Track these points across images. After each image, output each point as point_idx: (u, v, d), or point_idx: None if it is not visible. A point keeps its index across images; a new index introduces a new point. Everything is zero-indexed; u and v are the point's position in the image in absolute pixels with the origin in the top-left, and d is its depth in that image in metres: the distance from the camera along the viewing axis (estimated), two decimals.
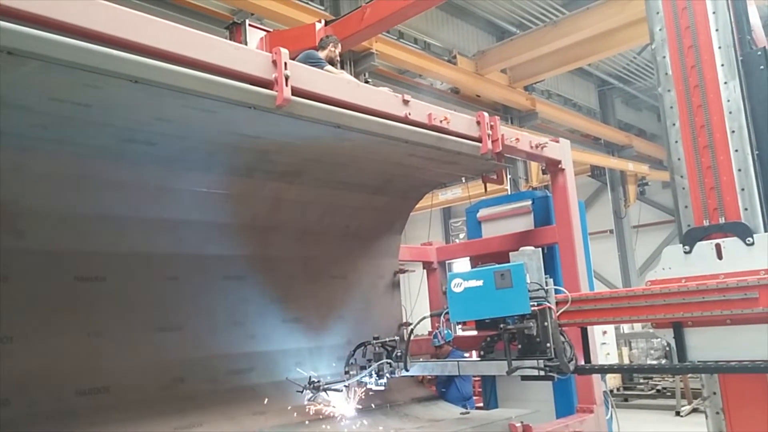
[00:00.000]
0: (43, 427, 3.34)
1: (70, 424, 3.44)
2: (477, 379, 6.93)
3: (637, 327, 12.39)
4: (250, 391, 4.36)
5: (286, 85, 3.28)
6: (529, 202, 6.23)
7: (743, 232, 3.32)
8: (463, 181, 5.67)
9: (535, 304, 3.62)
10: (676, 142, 3.69)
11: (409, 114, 4.09)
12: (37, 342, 3.49)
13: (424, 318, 4.22)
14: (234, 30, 6.86)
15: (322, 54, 5.88)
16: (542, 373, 3.66)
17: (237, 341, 4.45)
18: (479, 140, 4.63)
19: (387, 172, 4.91)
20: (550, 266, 5.86)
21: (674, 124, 3.71)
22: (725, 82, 3.52)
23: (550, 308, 3.60)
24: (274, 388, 4.45)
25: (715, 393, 3.52)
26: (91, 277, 3.77)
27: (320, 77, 3.56)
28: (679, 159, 3.68)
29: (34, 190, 3.47)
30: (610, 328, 6.15)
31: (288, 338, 4.75)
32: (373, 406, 4.67)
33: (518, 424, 4.32)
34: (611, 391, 12.65)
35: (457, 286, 3.77)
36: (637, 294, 3.54)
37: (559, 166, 5.53)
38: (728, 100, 3.50)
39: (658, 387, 12.38)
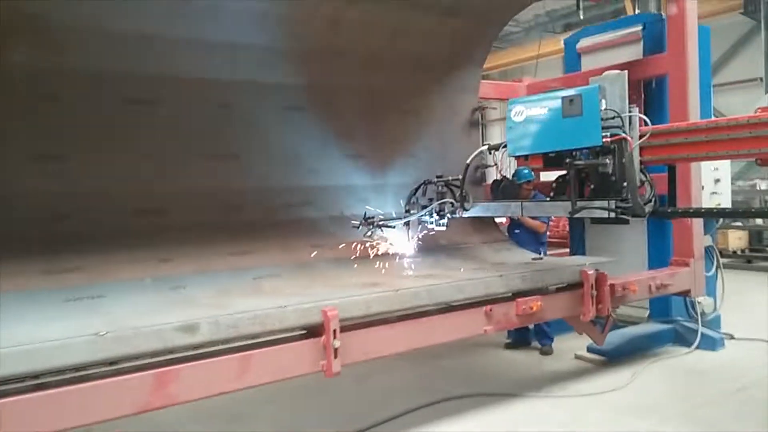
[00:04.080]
0: (101, 242, 3.45)
1: (127, 241, 3.54)
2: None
3: None
4: (307, 223, 4.29)
5: None
6: (640, 28, 5.31)
7: None
8: None
9: (609, 135, 3.08)
10: None
11: None
12: (90, 161, 3.54)
13: (479, 151, 3.80)
14: None
15: None
16: (613, 215, 3.20)
17: (295, 174, 4.33)
18: None
19: None
20: (657, 102, 5.13)
21: None
22: None
23: (625, 140, 3.04)
24: (334, 223, 4.35)
25: None
26: (139, 99, 3.69)
27: None
28: None
29: (66, 6, 3.31)
30: (725, 175, 5.31)
31: (350, 174, 4.55)
32: (436, 246, 4.48)
33: (591, 272, 3.96)
34: (735, 252, 11.63)
35: (518, 114, 3.28)
36: (741, 123, 2.89)
37: None
38: None
39: None
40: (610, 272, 5.07)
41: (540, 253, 5.02)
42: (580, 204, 3.27)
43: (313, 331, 2.91)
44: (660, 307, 5.35)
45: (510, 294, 3.69)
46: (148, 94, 3.71)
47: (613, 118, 3.08)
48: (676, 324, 5.27)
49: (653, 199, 3.22)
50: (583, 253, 5.83)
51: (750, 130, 2.84)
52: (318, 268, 4.03)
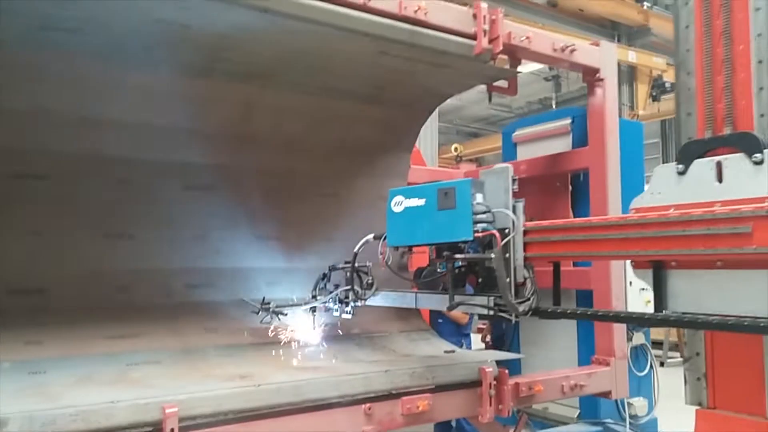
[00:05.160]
0: None
1: (2, 321, 3.38)
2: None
3: None
4: (206, 306, 4.14)
5: None
6: (569, 121, 5.33)
7: (751, 146, 2.44)
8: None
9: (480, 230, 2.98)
10: (687, 27, 2.78)
11: (369, 1, 3.45)
12: None
13: (365, 241, 3.69)
14: None
15: None
16: (491, 312, 3.07)
17: (198, 254, 4.21)
18: (474, 37, 3.89)
19: (374, 77, 4.31)
20: (584, 195, 5.08)
21: (687, 4, 2.79)
22: None
23: (494, 236, 2.94)
24: (235, 307, 4.19)
25: (698, 354, 2.75)
26: (28, 174, 3.64)
27: None
28: (688, 50, 2.78)
29: None
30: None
31: (260, 256, 4.44)
32: (340, 334, 4.30)
33: (490, 369, 3.75)
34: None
35: (398, 204, 3.21)
36: (610, 223, 2.79)
37: (597, 75, 4.61)
38: None
39: None
40: (538, 368, 4.86)
41: (462, 345, 4.83)
42: (458, 298, 3.15)
43: (157, 430, 2.72)
44: (589, 407, 5.09)
45: (395, 392, 3.47)
46: (38, 169, 3.66)
47: (484, 212, 2.99)
48: (605, 426, 4.99)
49: (532, 297, 3.08)
50: (518, 347, 5.62)
51: (620, 231, 2.73)
52: (206, 355, 3.84)
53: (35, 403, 2.70)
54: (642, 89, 12.92)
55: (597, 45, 4.65)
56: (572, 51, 4.38)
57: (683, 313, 2.57)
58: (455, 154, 20.53)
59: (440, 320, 5.03)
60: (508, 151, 5.95)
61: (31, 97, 3.57)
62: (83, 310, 3.68)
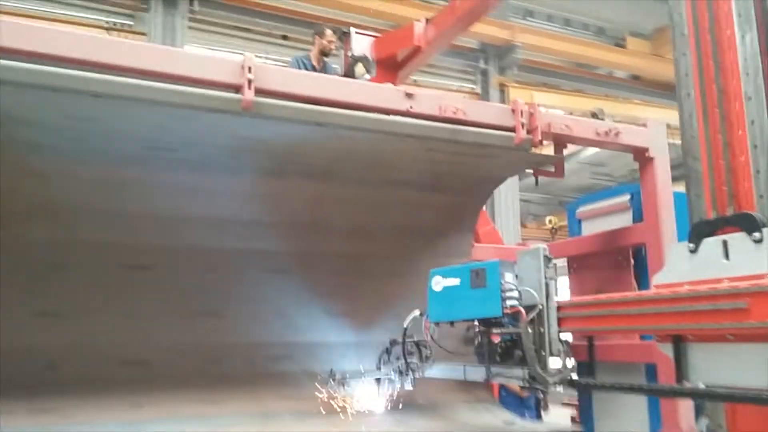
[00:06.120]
0: (83, 388, 3.97)
1: (107, 388, 4.03)
2: None
3: None
4: (283, 376, 4.60)
5: (249, 87, 3.46)
6: (627, 197, 5.48)
7: (750, 226, 2.62)
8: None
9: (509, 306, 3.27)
10: (690, 116, 3.03)
11: (411, 107, 3.96)
12: (88, 319, 4.16)
13: (413, 317, 4.03)
14: (344, 38, 7.18)
15: (313, 48, 6.40)
16: (525, 383, 3.30)
17: (276, 330, 4.72)
18: (514, 130, 4.27)
19: (428, 168, 4.76)
20: (645, 268, 5.16)
21: (689, 95, 3.05)
22: (743, 36, 2.80)
23: (519, 312, 3.21)
24: (309, 377, 4.63)
25: (720, 426, 2.82)
26: (136, 265, 4.36)
27: (290, 77, 3.66)
28: (692, 137, 3.02)
29: (82, 192, 4.13)
30: None
31: (332, 331, 4.88)
32: (404, 404, 4.57)
33: None
34: None
35: (437, 284, 3.58)
36: (629, 299, 2.99)
37: (647, 154, 4.81)
38: (745, 59, 2.79)
39: None
40: None
41: (525, 416, 4.94)
42: (494, 370, 3.41)
43: None
44: None
45: None
46: (144, 261, 4.38)
47: (510, 290, 3.28)
48: None
49: (564, 370, 3.27)
50: (591, 418, 5.60)
51: (638, 307, 2.92)
52: (281, 419, 4.28)
53: None
54: None
55: (644, 126, 4.87)
56: (617, 134, 4.64)
57: (707, 386, 2.70)
58: (550, 226, 20.43)
59: (503, 392, 5.18)
60: (573, 227, 6.13)
61: (139, 203, 4.33)
62: (179, 378, 4.27)
